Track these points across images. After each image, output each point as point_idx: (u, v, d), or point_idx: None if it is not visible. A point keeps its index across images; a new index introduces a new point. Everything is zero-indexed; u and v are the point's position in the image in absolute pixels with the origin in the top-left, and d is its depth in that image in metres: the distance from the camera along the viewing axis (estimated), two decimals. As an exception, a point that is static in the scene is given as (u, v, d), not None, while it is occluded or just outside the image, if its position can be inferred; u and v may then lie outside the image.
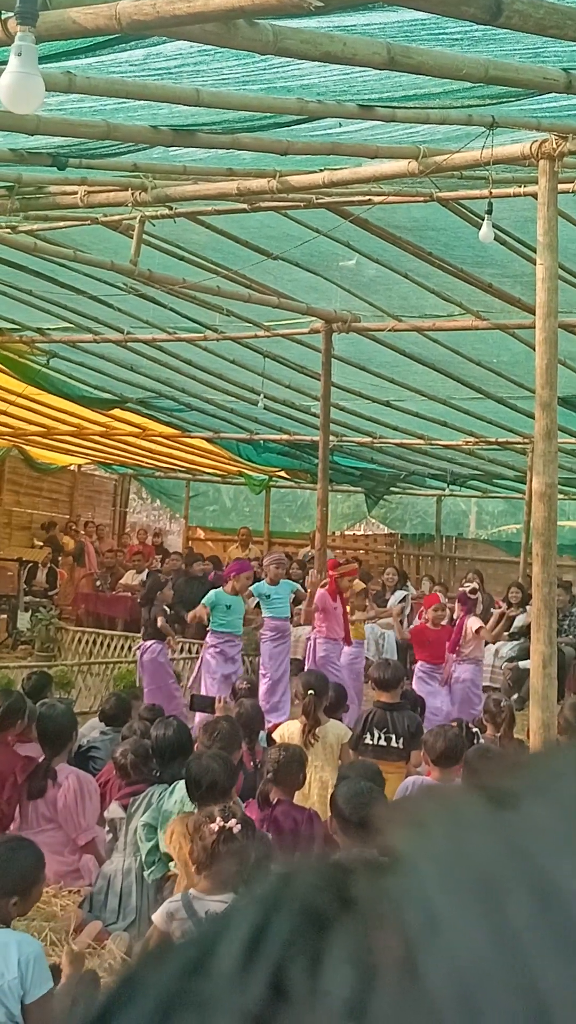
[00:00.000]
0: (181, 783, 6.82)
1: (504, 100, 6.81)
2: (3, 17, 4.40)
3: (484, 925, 0.46)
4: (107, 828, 7.49)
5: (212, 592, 12.23)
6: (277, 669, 12.61)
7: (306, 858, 0.55)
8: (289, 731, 8.71)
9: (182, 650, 15.36)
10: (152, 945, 0.54)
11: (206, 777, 5.99)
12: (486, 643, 12.49)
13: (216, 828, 4.68)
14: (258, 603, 12.53)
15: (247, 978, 0.48)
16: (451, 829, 0.52)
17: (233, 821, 4.69)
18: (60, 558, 21.45)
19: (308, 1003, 0.47)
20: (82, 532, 23.11)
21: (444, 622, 12.31)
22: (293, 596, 12.95)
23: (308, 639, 12.56)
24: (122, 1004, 0.50)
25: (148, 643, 12.36)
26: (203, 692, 11.80)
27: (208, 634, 12.23)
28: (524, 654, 14.70)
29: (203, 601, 12.09)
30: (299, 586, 13.58)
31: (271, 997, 0.47)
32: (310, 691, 8.63)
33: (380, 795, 5.45)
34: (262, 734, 9.08)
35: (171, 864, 6.71)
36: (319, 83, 6.46)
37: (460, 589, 13.73)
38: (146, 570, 19.56)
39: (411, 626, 16.98)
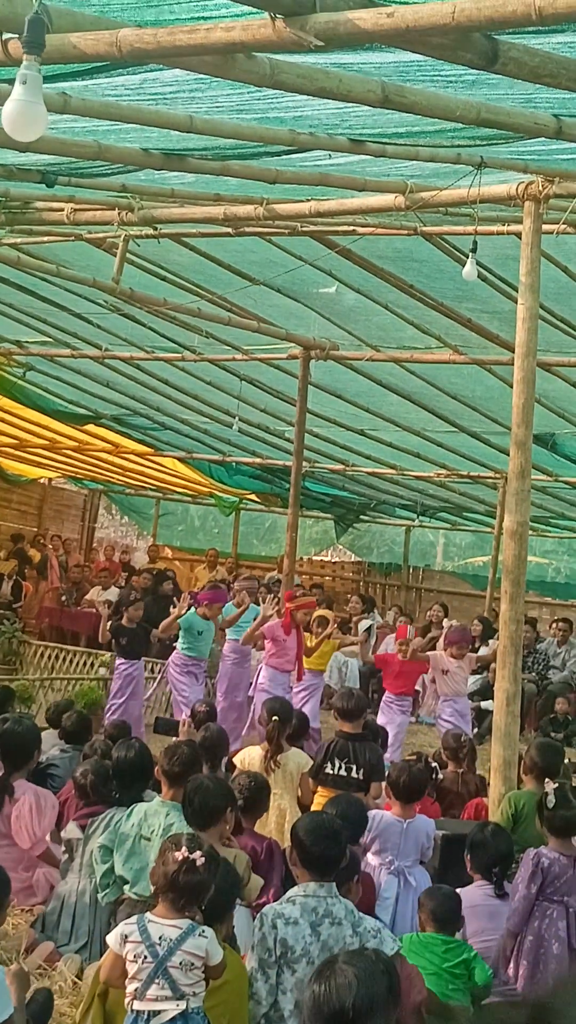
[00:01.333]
0: (139, 806, 6.80)
1: (494, 142, 6.88)
2: (4, 39, 4.43)
3: None
4: (63, 848, 7.46)
5: (187, 616, 12.23)
6: (237, 693, 12.59)
7: None
8: (250, 757, 8.70)
9: (146, 669, 15.33)
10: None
11: (199, 796, 6.01)
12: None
13: (180, 857, 4.67)
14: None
15: None
16: None
17: (198, 853, 4.68)
18: (26, 571, 21.37)
19: None
20: (49, 546, 23.04)
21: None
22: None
23: (258, 664, 12.57)
24: None
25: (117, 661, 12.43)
26: (174, 715, 11.83)
27: (174, 654, 12.22)
28: (484, 688, 14.75)
29: (180, 622, 12.13)
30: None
31: None
32: (274, 717, 8.63)
33: (342, 829, 5.44)
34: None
35: (126, 888, 6.68)
36: (312, 115, 6.51)
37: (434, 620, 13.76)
38: (112, 587, 19.51)
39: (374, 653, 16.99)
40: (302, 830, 5.27)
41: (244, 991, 5.03)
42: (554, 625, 18.14)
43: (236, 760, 8.76)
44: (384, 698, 12.31)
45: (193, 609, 12.26)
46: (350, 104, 5.70)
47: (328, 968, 3.49)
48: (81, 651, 16.36)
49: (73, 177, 8.59)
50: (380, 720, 11.63)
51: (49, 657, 16.44)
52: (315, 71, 5.10)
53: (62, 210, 10.37)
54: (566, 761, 10.17)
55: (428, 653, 12.15)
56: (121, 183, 8.91)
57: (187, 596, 12.54)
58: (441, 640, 12.40)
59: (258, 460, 21.11)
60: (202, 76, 5.29)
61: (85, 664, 15.78)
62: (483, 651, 16.35)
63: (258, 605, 13.32)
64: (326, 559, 26.11)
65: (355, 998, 3.37)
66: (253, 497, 23.93)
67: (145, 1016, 4.59)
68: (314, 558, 25.69)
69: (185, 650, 12.01)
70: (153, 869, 4.92)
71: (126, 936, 4.70)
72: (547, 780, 6.68)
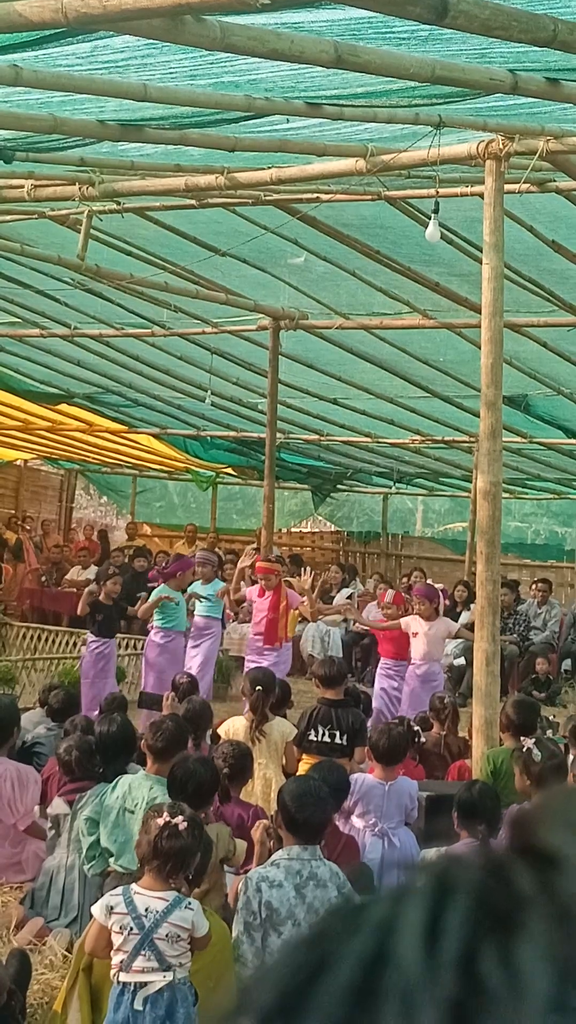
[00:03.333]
0: (124, 778, 6.82)
1: (451, 100, 6.85)
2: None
3: None
4: (50, 824, 7.46)
5: (160, 588, 12.16)
6: (203, 667, 12.52)
7: (457, 851, 0.55)
8: (234, 727, 8.71)
9: (127, 647, 15.32)
10: (319, 932, 0.52)
11: (192, 781, 6.00)
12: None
13: (161, 823, 4.67)
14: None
15: (439, 968, 0.48)
16: None
17: (180, 819, 4.68)
18: (4, 553, 21.32)
19: (510, 996, 0.46)
20: (25, 528, 22.97)
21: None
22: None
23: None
24: (312, 985, 0.49)
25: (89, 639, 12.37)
26: (147, 688, 11.76)
27: (151, 631, 12.15)
28: (467, 652, 14.79)
29: (152, 596, 12.04)
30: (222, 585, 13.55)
31: (469, 988, 0.47)
32: (258, 687, 8.64)
33: (328, 796, 5.46)
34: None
35: (111, 860, 6.70)
36: (267, 78, 6.47)
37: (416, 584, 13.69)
38: (91, 566, 19.48)
39: (356, 623, 17.04)
40: (288, 795, 5.29)
41: (229, 955, 5.05)
42: (534, 586, 18.21)
43: (220, 731, 8.78)
44: (382, 665, 12.29)
45: (163, 584, 12.17)
46: (304, 65, 5.67)
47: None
48: (63, 631, 16.35)
49: (31, 152, 8.53)
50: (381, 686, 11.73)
51: (31, 638, 16.44)
52: (266, 32, 5.07)
53: (22, 187, 10.29)
54: (550, 718, 10.25)
55: (402, 619, 12.08)
56: (79, 156, 8.85)
57: (156, 576, 12.45)
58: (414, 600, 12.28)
59: (232, 433, 21.07)
60: (153, 42, 5.25)
61: (67, 644, 15.77)
62: (465, 616, 16.41)
63: (222, 580, 13.30)
64: (305, 530, 26.10)
65: None
66: (230, 471, 23.89)
67: (132, 988, 4.60)
68: (293, 530, 25.69)
69: (161, 623, 11.93)
70: (138, 840, 4.92)
71: (111, 907, 4.71)
72: (523, 738, 6.70)
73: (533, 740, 6.34)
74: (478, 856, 0.54)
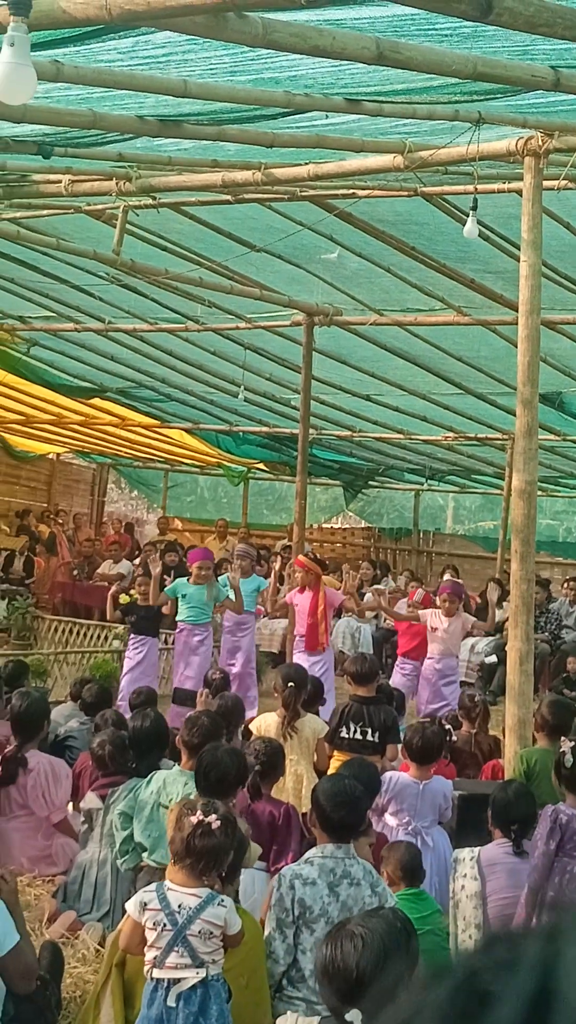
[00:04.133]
0: (159, 773, 6.83)
1: (491, 96, 6.82)
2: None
3: None
4: (83, 818, 7.49)
5: (173, 583, 12.15)
6: (245, 663, 12.53)
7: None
8: (265, 723, 8.71)
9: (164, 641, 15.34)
10: (469, 968, 0.51)
11: (215, 771, 5.99)
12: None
13: (195, 821, 4.67)
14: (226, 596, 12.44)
15: None
16: None
17: (213, 816, 4.68)
18: (37, 547, 21.40)
19: None
20: (57, 521, 23.05)
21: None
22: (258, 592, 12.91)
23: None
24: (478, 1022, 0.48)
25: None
26: (176, 683, 11.75)
27: (176, 626, 12.13)
28: (498, 650, 14.75)
29: (166, 591, 12.02)
30: (264, 581, 13.55)
31: None
32: (290, 683, 8.64)
33: (363, 796, 5.46)
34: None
35: (144, 855, 6.71)
36: (307, 75, 6.45)
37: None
38: (123, 560, 19.52)
39: (387, 620, 17.02)
40: (323, 795, 5.29)
41: (261, 951, 5.05)
42: (566, 584, 18.13)
43: (252, 727, 8.78)
44: (400, 662, 12.31)
45: (183, 578, 12.15)
46: (345, 62, 5.65)
47: (338, 930, 3.50)
48: (94, 624, 16.38)
49: (69, 147, 8.55)
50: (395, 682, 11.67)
51: (63, 631, 16.49)
52: (308, 29, 5.05)
53: (59, 182, 10.31)
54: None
55: (420, 612, 12.08)
56: (117, 152, 8.85)
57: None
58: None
59: (265, 429, 21.07)
60: (194, 38, 5.24)
61: (99, 637, 15.80)
62: (498, 614, 16.37)
63: (259, 575, 13.30)
64: (336, 526, 26.09)
65: (361, 960, 3.38)
66: (261, 466, 23.90)
67: (165, 984, 4.60)
68: (324, 525, 25.68)
69: (182, 618, 11.90)
70: (171, 837, 4.93)
71: (145, 904, 4.71)
72: (563, 739, 6.67)
73: (572, 744, 6.30)
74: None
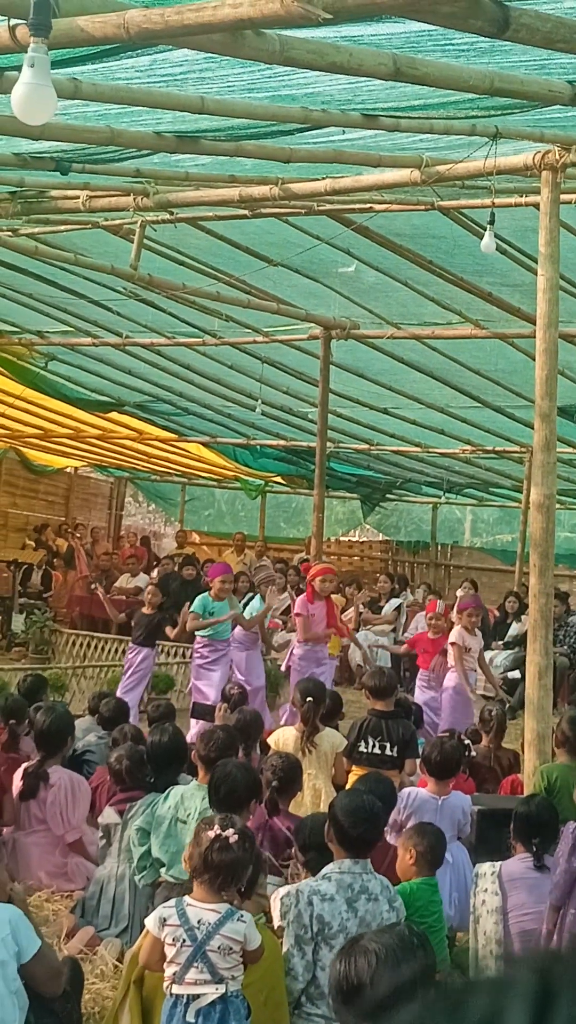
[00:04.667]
0: (176, 788, 6.83)
1: (508, 111, 6.83)
2: (12, 24, 4.41)
3: None
4: (101, 833, 7.49)
5: (199, 600, 12.09)
6: (256, 677, 12.54)
7: (552, 949, 0.53)
8: (284, 738, 8.70)
9: (175, 654, 15.36)
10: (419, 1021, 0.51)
11: (225, 784, 5.99)
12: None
13: (212, 836, 4.67)
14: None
15: None
16: None
17: (231, 831, 4.68)
18: (55, 560, 21.44)
19: None
20: (76, 535, 23.09)
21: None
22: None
23: (291, 645, 12.48)
24: None
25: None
26: (194, 699, 11.73)
27: (196, 642, 12.10)
28: (518, 664, 14.71)
29: (194, 608, 11.94)
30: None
31: None
32: (309, 698, 8.63)
33: (381, 812, 5.45)
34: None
35: (163, 870, 6.70)
36: (324, 91, 6.47)
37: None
38: (140, 573, 19.54)
39: (405, 633, 17.03)
40: (341, 811, 5.28)
41: (280, 968, 5.04)
42: (585, 598, 18.09)
43: (270, 741, 8.78)
44: (420, 676, 12.24)
45: (206, 594, 12.13)
46: (362, 78, 5.67)
47: (352, 945, 3.49)
48: (112, 638, 16.40)
49: (87, 164, 8.58)
50: (418, 699, 11.59)
51: (80, 645, 16.51)
52: (325, 46, 5.07)
53: (77, 198, 10.35)
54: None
55: (453, 637, 11.96)
56: (135, 168, 8.88)
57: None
58: (455, 610, 12.11)
59: (282, 442, 21.09)
60: (212, 55, 5.26)
61: (116, 651, 15.82)
62: (516, 627, 16.34)
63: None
64: (354, 539, 26.07)
65: (374, 976, 3.37)
66: (279, 479, 23.91)
67: (184, 1000, 4.60)
68: (341, 539, 25.67)
69: (203, 634, 11.89)
70: (189, 852, 4.92)
71: (164, 919, 4.71)
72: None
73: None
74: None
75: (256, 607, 12.66)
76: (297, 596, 15.52)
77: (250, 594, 13.15)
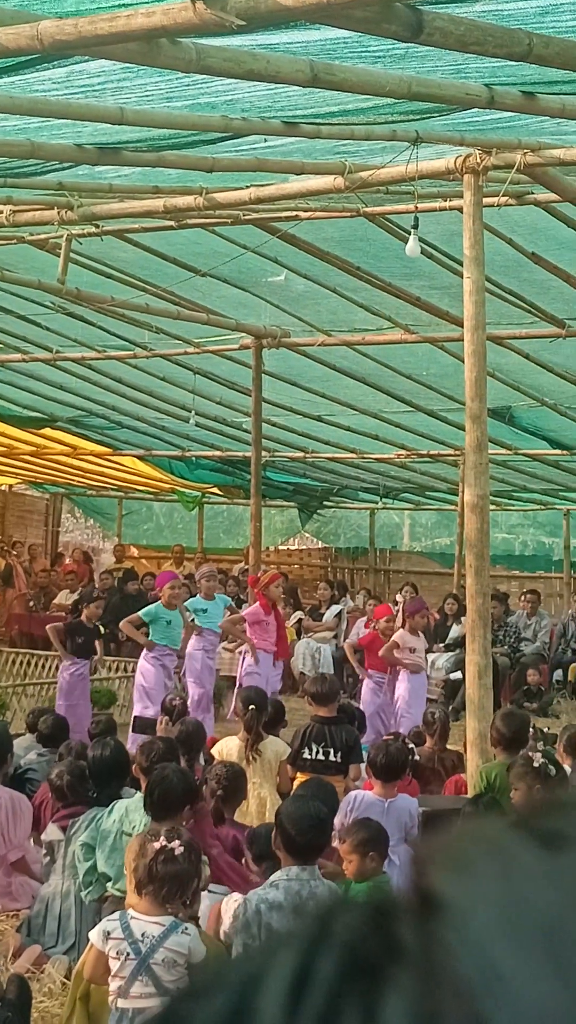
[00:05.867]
0: (120, 802, 6.79)
1: (428, 115, 6.87)
2: None
3: (553, 979, 0.43)
4: (44, 850, 7.42)
5: (152, 607, 12.07)
6: (209, 682, 12.55)
7: (340, 897, 0.51)
8: (227, 747, 8.68)
9: (117, 669, 15.27)
10: (188, 987, 0.51)
11: (160, 788, 5.95)
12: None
13: (157, 847, 4.64)
14: (193, 618, 12.43)
15: None
16: (503, 873, 0.48)
17: (176, 843, 4.66)
18: (-8, 579, 21.26)
19: None
20: (12, 553, 22.90)
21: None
22: (227, 611, 12.91)
23: (240, 653, 12.54)
24: None
25: (66, 662, 12.28)
26: (137, 707, 11.68)
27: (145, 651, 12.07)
28: (459, 665, 14.77)
29: (142, 615, 11.92)
30: (231, 601, 13.60)
31: None
32: (251, 706, 8.61)
33: (328, 817, 5.44)
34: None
35: (109, 884, 6.66)
36: (243, 99, 6.48)
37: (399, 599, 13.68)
38: (79, 589, 19.43)
39: (346, 640, 17.04)
40: (287, 818, 5.25)
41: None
42: (523, 597, 18.21)
43: (214, 751, 8.75)
44: (369, 678, 12.28)
45: (158, 603, 12.12)
46: (280, 85, 5.68)
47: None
48: (53, 655, 16.24)
49: (8, 177, 8.53)
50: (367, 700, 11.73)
51: (21, 663, 16.37)
52: (242, 54, 5.08)
53: (0, 212, 10.29)
54: (545, 730, 10.23)
55: (395, 636, 12.06)
56: (58, 181, 8.84)
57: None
58: (400, 615, 12.24)
59: (218, 453, 21.06)
60: (129, 65, 5.25)
61: (58, 668, 15.68)
62: (456, 629, 16.40)
63: (224, 594, 13.35)
64: (292, 547, 26.08)
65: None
66: (216, 491, 23.88)
67: (130, 1014, 4.57)
68: (280, 547, 25.66)
69: (160, 640, 11.86)
70: (134, 865, 4.89)
71: (108, 933, 4.68)
72: (533, 753, 6.65)
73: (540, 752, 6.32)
74: (367, 899, 0.50)
75: (197, 603, 12.61)
76: (237, 606, 15.57)
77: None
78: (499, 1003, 0.43)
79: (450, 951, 0.45)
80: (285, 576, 15.75)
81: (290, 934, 0.49)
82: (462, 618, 15.38)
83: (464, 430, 8.39)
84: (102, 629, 13.10)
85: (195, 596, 12.73)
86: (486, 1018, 0.43)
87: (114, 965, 4.61)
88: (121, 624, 12.56)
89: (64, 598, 19.39)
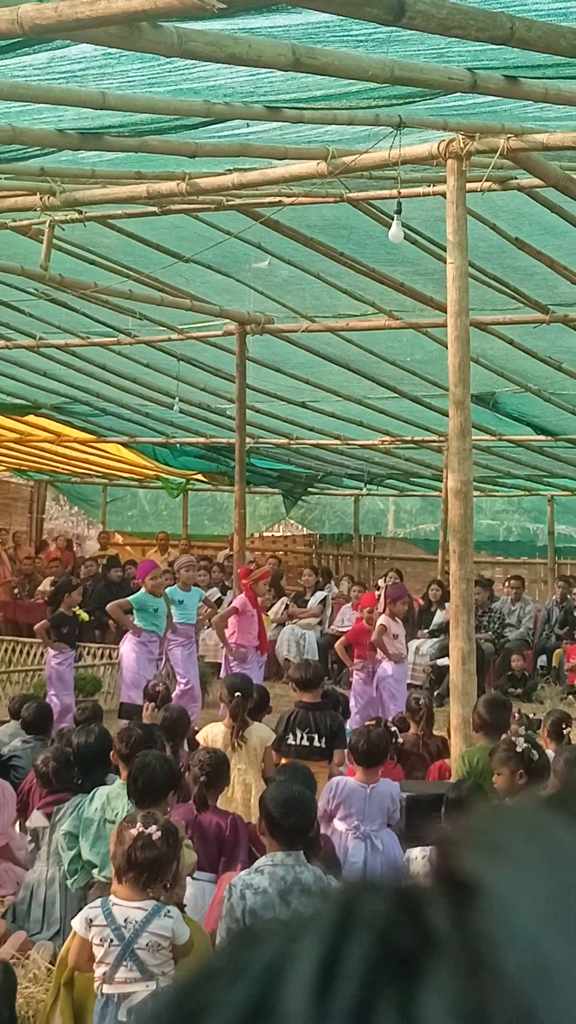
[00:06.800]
0: (101, 789, 6.79)
1: (411, 100, 6.85)
2: None
3: None
4: (29, 837, 7.42)
5: (139, 594, 12.10)
6: (193, 673, 12.56)
7: (370, 878, 0.48)
8: (212, 733, 8.68)
9: (102, 656, 15.27)
10: (205, 972, 0.46)
11: (143, 775, 5.94)
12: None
13: (135, 833, 4.64)
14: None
15: (328, 1022, 0.41)
16: (546, 857, 0.45)
17: (154, 828, 4.66)
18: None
19: None
20: (-2, 540, 22.87)
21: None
22: (202, 604, 12.93)
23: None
24: None
25: (53, 651, 12.24)
26: (124, 694, 11.70)
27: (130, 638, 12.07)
28: (444, 652, 14.80)
29: (131, 600, 11.97)
30: (206, 594, 13.68)
31: None
32: (236, 693, 8.62)
33: (312, 801, 5.44)
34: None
35: (95, 872, 6.66)
36: (226, 84, 6.45)
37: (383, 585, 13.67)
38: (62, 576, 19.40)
39: (332, 626, 17.09)
40: (271, 802, 5.25)
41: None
42: (507, 583, 18.25)
43: (199, 738, 8.75)
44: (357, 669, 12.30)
45: (143, 591, 12.13)
46: (262, 69, 5.66)
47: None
48: (37, 643, 16.22)
49: (-10, 163, 8.50)
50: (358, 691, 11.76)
51: (5, 650, 16.36)
52: (224, 38, 5.06)
53: (-17, 198, 10.26)
54: (530, 715, 10.25)
55: (380, 620, 12.09)
56: (40, 166, 8.81)
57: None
58: (382, 601, 12.22)
59: (202, 440, 21.04)
60: (110, 50, 5.23)
61: (42, 655, 15.67)
62: (440, 615, 16.43)
63: (199, 588, 13.43)
64: (277, 534, 26.08)
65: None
66: (200, 477, 23.86)
67: (115, 999, 4.58)
68: (265, 534, 25.66)
69: (148, 627, 11.87)
70: (113, 852, 4.90)
71: (91, 920, 4.68)
72: (516, 738, 6.67)
73: (523, 737, 6.34)
74: (391, 884, 0.47)
75: (175, 593, 12.59)
76: (222, 593, 15.59)
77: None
78: (551, 999, 0.41)
79: (493, 942, 0.43)
80: (279, 560, 15.79)
81: (312, 917, 0.46)
82: (446, 604, 15.41)
83: (448, 416, 8.39)
84: (85, 616, 13.07)
85: (173, 586, 12.71)
86: (537, 1016, 0.41)
87: (98, 952, 4.61)
88: (108, 607, 12.57)
89: (48, 585, 19.36)
